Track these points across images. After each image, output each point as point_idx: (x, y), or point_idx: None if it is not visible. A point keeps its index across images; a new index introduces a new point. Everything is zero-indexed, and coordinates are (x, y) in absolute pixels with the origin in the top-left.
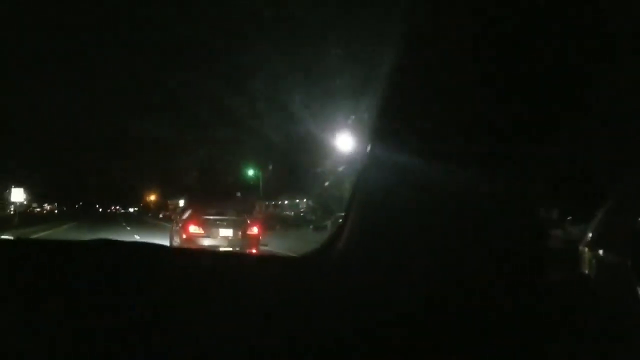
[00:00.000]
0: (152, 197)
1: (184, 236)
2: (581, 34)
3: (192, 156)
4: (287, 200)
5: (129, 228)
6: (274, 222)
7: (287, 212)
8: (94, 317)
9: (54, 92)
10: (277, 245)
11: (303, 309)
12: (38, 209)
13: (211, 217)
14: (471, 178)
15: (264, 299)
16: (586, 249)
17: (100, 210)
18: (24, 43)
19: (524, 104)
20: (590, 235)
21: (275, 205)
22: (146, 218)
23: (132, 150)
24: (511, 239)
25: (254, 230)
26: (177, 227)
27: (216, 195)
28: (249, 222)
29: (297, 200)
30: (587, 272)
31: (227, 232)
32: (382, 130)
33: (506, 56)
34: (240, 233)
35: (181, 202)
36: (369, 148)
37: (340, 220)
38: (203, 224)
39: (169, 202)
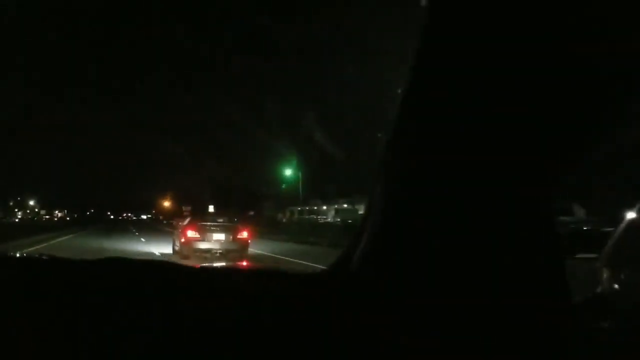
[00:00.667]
0: (166, 204)
1: (183, 240)
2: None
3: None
4: (325, 204)
5: (137, 233)
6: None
7: (322, 218)
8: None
9: (68, 100)
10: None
11: (311, 334)
12: (47, 217)
13: (206, 224)
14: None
15: (269, 318)
16: (604, 268)
17: (112, 217)
18: (45, 55)
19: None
20: (609, 252)
21: (310, 211)
22: (158, 225)
23: (145, 156)
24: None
25: (244, 234)
26: (178, 232)
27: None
28: (239, 228)
29: (337, 206)
30: (606, 291)
31: (220, 237)
32: (398, 135)
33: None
34: (231, 237)
35: (211, 208)
36: (383, 152)
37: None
38: (199, 229)
39: (183, 208)
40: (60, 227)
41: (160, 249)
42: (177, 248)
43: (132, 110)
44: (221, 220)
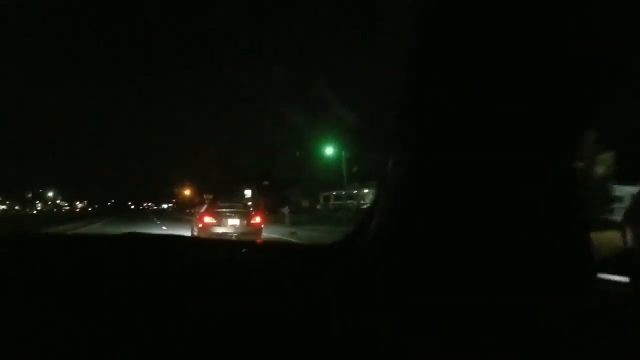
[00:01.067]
0: (187, 192)
1: (200, 225)
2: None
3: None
4: (365, 187)
5: (158, 222)
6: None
7: (364, 203)
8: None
9: (87, 92)
10: None
11: (327, 301)
12: (67, 207)
13: (222, 210)
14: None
15: (284, 290)
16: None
17: (132, 207)
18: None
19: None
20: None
21: (348, 195)
22: (180, 214)
23: (167, 144)
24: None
25: (257, 219)
26: (195, 219)
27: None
28: (253, 213)
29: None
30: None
31: (234, 222)
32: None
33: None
34: (245, 222)
35: (247, 193)
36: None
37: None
38: (215, 215)
39: (205, 196)
40: (83, 217)
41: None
42: (195, 233)
43: (152, 100)
44: (236, 206)
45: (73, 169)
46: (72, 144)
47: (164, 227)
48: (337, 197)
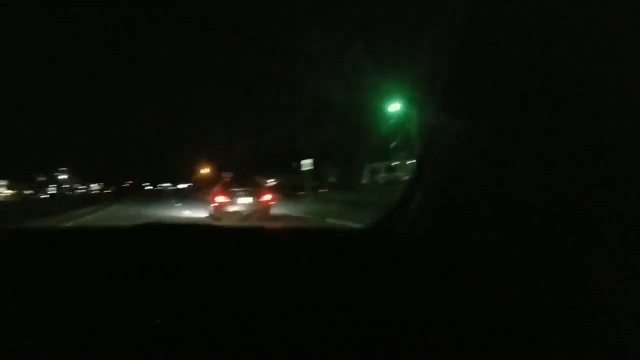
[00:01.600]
0: (207, 171)
1: (215, 204)
2: None
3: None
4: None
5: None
6: None
7: None
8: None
9: (101, 71)
10: None
11: (367, 285)
12: (82, 190)
13: (234, 189)
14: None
15: (323, 274)
16: None
17: (151, 188)
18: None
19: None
20: None
21: (390, 167)
22: (199, 194)
23: (184, 120)
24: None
25: (268, 197)
26: (210, 198)
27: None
28: (263, 191)
29: None
30: None
31: (245, 200)
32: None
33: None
34: (256, 200)
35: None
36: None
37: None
38: (228, 194)
39: (224, 174)
40: (101, 200)
41: (196, 214)
42: (211, 212)
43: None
44: (247, 185)
45: (89, 150)
46: (90, 124)
47: (179, 206)
48: (388, 169)
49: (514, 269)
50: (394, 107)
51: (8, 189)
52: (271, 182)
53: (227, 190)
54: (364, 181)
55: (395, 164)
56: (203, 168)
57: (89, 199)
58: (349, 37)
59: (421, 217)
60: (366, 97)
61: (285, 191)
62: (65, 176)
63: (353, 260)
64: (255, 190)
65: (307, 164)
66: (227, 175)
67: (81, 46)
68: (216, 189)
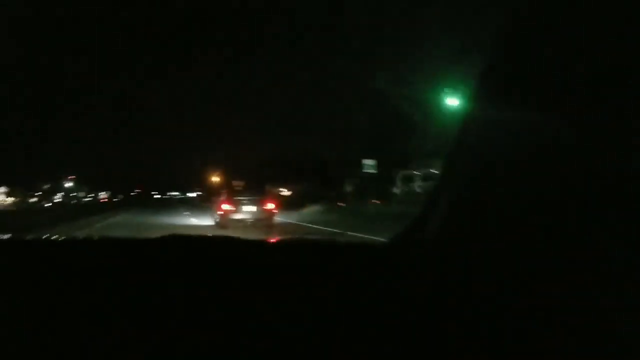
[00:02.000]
0: (216, 179)
1: (221, 212)
2: None
3: None
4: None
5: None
6: None
7: None
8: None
9: (105, 75)
10: None
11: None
12: (88, 199)
13: (239, 198)
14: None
15: (344, 290)
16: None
17: (159, 196)
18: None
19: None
20: None
21: (426, 176)
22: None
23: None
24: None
25: (271, 206)
26: (215, 207)
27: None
28: (266, 200)
29: None
30: None
31: (250, 208)
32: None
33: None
34: (260, 208)
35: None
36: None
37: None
38: (234, 202)
39: (234, 183)
40: (108, 209)
41: (203, 222)
42: (217, 219)
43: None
44: (252, 194)
45: (96, 159)
46: (97, 130)
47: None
48: (424, 178)
49: (541, 276)
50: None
51: (8, 196)
52: (284, 191)
53: (232, 198)
54: (395, 190)
55: (432, 172)
56: (213, 176)
57: (91, 208)
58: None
59: (445, 229)
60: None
61: (304, 200)
62: (71, 184)
63: (372, 277)
64: (259, 199)
65: (370, 164)
66: (238, 184)
67: (91, 55)
68: (222, 197)
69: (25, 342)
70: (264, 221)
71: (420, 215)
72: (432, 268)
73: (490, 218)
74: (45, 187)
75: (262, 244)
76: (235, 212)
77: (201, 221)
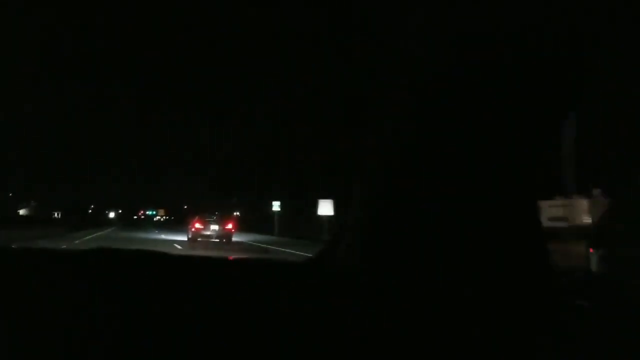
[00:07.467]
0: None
1: (192, 230)
2: None
3: None
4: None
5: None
6: None
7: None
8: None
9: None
10: None
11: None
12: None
13: (206, 219)
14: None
15: (255, 307)
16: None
17: (113, 217)
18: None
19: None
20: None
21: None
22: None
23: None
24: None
25: (229, 226)
26: (190, 225)
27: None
28: (226, 221)
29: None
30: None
31: (215, 227)
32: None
33: None
34: (222, 227)
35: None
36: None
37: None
38: (203, 222)
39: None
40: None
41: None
42: (189, 236)
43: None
44: (215, 216)
45: (48, 176)
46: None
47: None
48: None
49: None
50: None
51: None
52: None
53: (202, 219)
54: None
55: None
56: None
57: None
58: None
59: (351, 255)
60: None
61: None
62: (22, 211)
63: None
64: (221, 220)
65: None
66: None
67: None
68: (194, 219)
69: None
70: (224, 237)
71: (332, 238)
72: (341, 286)
73: (393, 243)
74: None
75: (190, 260)
76: (204, 230)
77: (173, 236)
